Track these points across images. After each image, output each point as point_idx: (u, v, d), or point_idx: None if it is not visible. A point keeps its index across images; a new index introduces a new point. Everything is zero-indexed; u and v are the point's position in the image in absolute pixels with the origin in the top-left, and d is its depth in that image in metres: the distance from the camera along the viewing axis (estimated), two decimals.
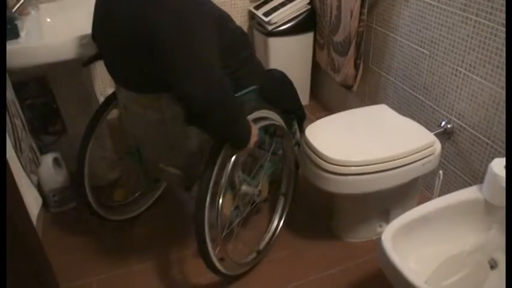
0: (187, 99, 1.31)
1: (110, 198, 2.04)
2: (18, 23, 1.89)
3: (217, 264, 1.56)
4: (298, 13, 2.59)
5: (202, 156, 1.55)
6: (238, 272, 1.73)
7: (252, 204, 1.73)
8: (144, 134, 1.62)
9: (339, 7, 2.28)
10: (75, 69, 1.95)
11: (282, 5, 2.57)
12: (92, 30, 1.61)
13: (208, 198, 1.44)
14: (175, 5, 1.29)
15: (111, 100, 1.79)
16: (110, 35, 1.44)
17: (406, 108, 2.11)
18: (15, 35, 1.83)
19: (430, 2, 1.80)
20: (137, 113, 1.54)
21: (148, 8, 1.28)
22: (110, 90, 2.69)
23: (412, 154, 1.63)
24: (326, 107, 2.91)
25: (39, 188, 2.06)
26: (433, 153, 1.68)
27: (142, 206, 2.12)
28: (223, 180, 1.46)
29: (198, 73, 1.29)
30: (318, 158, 1.64)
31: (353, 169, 1.59)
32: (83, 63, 1.73)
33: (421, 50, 1.92)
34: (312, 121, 1.85)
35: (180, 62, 1.28)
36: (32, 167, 1.76)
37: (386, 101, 2.24)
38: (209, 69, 1.32)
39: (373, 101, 2.35)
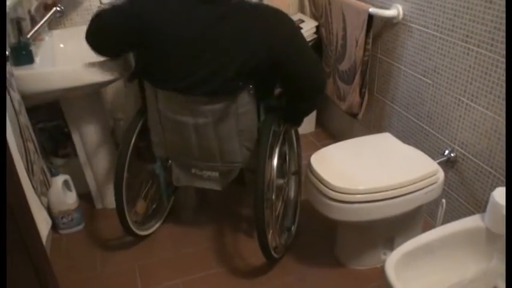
0: (313, 83, 1.71)
1: (133, 212, 2.07)
2: (33, 48, 1.95)
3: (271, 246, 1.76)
4: None
5: (241, 155, 1.75)
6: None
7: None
8: (185, 141, 1.72)
9: (344, 36, 2.33)
10: (86, 94, 2.01)
11: None
12: (136, 43, 1.65)
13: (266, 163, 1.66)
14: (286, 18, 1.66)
15: (138, 118, 1.85)
16: (185, 43, 1.55)
17: (410, 136, 2.14)
18: (30, 60, 1.89)
19: (433, 33, 1.85)
20: (183, 121, 1.67)
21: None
22: (120, 114, 2.76)
23: (416, 183, 1.65)
24: (332, 134, 2.94)
25: (48, 209, 2.09)
26: (436, 182, 1.70)
27: (158, 221, 2.18)
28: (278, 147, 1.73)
29: (316, 63, 1.72)
30: (322, 186, 1.66)
31: (357, 197, 1.61)
32: (127, 79, 1.80)
33: (425, 79, 1.96)
34: (318, 148, 1.88)
35: (306, 57, 1.67)
36: (42, 189, 1.79)
37: (390, 129, 2.27)
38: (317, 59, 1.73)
39: (378, 128, 2.38)
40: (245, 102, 1.67)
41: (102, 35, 1.71)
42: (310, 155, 1.82)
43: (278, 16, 1.64)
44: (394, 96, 2.21)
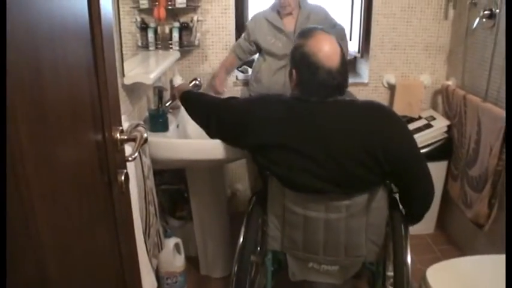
0: (427, 192, 1.66)
1: None
2: (169, 116, 2.10)
3: None
4: (434, 140, 2.56)
5: (366, 249, 1.69)
6: None
7: None
8: (310, 236, 1.69)
9: (477, 141, 2.22)
10: (212, 166, 2.09)
11: (418, 130, 2.57)
12: (281, 140, 1.62)
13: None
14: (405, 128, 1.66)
15: (259, 209, 1.82)
16: (331, 146, 1.55)
17: None
18: (165, 128, 2.03)
19: None
20: (313, 217, 1.64)
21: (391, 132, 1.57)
22: (238, 185, 2.84)
23: None
24: (451, 240, 2.73)
25: (156, 268, 2.17)
26: None
27: None
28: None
29: (428, 175, 1.63)
30: None
31: None
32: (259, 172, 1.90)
33: None
34: (435, 253, 1.77)
35: (422, 169, 1.62)
36: (155, 252, 1.87)
37: None
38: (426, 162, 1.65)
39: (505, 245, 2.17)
40: (379, 197, 1.64)
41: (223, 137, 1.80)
42: (424, 259, 1.70)
43: (392, 119, 1.62)
44: None
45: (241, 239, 1.73)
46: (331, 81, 1.54)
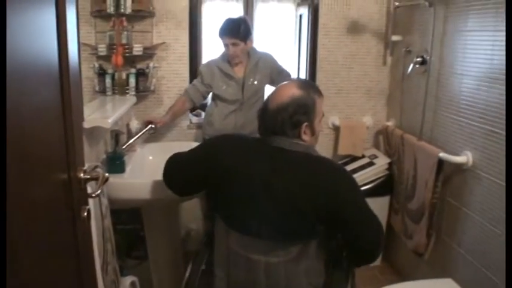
0: (370, 247, 1.59)
1: None
2: (126, 158, 2.18)
3: None
4: (376, 177, 2.74)
5: None
6: None
7: None
8: (252, 278, 1.70)
9: (414, 177, 2.40)
10: (167, 206, 2.17)
11: (361, 168, 2.75)
12: (213, 182, 1.69)
13: None
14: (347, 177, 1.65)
15: (206, 251, 1.88)
16: (252, 187, 1.59)
17: (474, 285, 2.07)
18: (122, 170, 2.11)
19: (500, 183, 1.88)
20: (254, 259, 1.66)
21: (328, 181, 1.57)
22: (193, 225, 2.92)
23: None
24: (396, 270, 2.89)
25: None
26: None
27: None
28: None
29: (374, 225, 1.59)
30: None
31: None
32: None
33: (493, 228, 1.95)
34: (381, 283, 1.88)
35: (364, 220, 1.58)
36: None
37: (456, 274, 2.21)
38: (375, 217, 1.60)
39: (443, 271, 2.33)
40: (317, 245, 1.66)
41: (175, 178, 1.82)
42: None
43: (342, 178, 1.63)
44: (461, 240, 2.19)
45: (184, 282, 1.77)
46: (265, 120, 1.64)
